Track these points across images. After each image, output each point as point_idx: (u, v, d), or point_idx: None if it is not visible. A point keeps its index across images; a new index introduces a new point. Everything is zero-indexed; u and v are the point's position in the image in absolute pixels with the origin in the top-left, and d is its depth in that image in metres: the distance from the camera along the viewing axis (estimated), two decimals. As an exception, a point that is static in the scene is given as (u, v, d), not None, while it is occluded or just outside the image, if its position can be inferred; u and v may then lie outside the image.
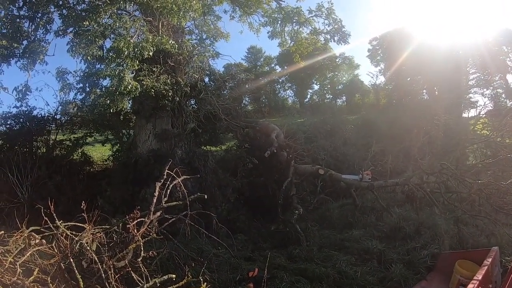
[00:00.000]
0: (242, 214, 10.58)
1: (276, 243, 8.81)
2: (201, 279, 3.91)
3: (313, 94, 37.59)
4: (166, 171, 5.16)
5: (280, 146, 12.27)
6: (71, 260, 3.48)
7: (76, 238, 3.78)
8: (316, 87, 37.17)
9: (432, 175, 10.21)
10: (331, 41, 16.19)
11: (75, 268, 3.49)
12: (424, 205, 10.29)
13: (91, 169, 14.09)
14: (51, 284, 3.32)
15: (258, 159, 11.96)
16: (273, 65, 38.22)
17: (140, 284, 3.82)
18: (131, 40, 8.71)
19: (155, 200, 4.76)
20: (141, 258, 4.00)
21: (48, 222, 3.78)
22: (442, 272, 6.45)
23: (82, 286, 3.52)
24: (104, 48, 9.33)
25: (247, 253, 7.94)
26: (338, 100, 36.29)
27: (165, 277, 3.96)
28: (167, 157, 8.19)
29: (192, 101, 13.03)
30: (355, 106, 31.19)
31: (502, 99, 32.94)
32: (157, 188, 4.89)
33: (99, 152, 16.13)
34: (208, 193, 9.63)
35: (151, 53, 9.17)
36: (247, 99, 34.48)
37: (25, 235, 3.72)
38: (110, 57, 8.75)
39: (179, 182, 5.20)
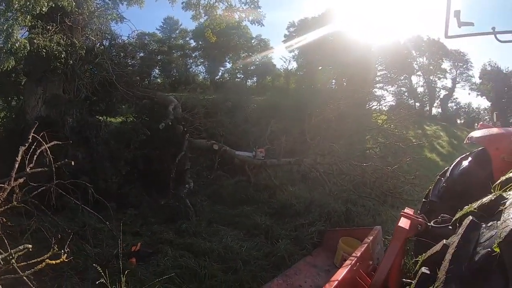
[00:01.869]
0: (134, 188, 10.25)
1: (165, 218, 8.66)
2: (63, 252, 3.63)
3: (224, 72, 37.52)
4: (32, 134, 4.66)
5: (177, 119, 12.08)
6: None
7: None
8: (228, 65, 37.12)
9: (323, 156, 10.76)
10: (245, 21, 16.12)
11: None
12: (317, 184, 10.82)
13: None
14: None
15: (154, 132, 11.57)
16: (188, 38, 37.42)
17: None
18: None
19: (17, 166, 4.30)
20: None
21: None
22: (328, 248, 6.68)
23: None
24: None
25: (135, 228, 7.71)
26: (249, 80, 36.61)
27: (21, 247, 3.63)
28: (56, 125, 7.56)
29: (90, 66, 12.11)
30: (265, 88, 31.65)
31: (405, 97, 36.96)
32: (20, 153, 4.41)
33: None
34: (98, 165, 9.19)
35: (44, 9, 8.31)
36: (156, 71, 33.52)
37: None
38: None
39: (45, 148, 4.73)
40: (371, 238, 5.24)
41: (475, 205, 2.07)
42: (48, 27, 9.76)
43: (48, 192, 5.46)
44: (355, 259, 4.26)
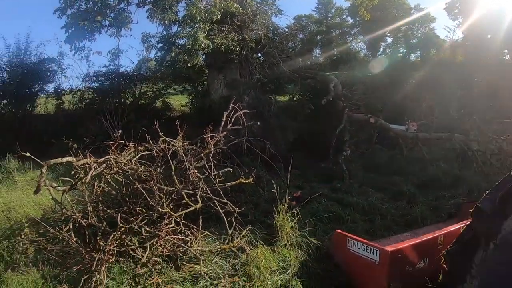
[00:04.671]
0: (299, 154, 11.60)
1: (323, 178, 10.09)
2: (250, 177, 5.82)
3: (386, 48, 36.26)
4: (231, 105, 6.94)
5: (337, 95, 13.28)
6: (169, 157, 5.37)
7: (172, 143, 5.77)
8: (389, 40, 35.73)
9: (478, 133, 10.63)
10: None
11: (171, 161, 5.46)
12: (469, 163, 10.76)
13: (171, 114, 16.37)
14: (153, 171, 5.11)
15: (317, 107, 13.29)
16: (344, 16, 37.13)
17: (209, 172, 5.66)
18: (201, 7, 10.68)
19: (222, 123, 6.61)
20: (212, 153, 5.97)
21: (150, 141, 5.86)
22: (462, 219, 6.50)
23: (174, 170, 5.46)
24: (178, 12, 11.75)
25: (297, 183, 9.13)
26: (412, 54, 34.78)
27: (226, 169, 5.98)
28: (236, 103, 9.78)
29: (258, 54, 14.73)
30: (430, 62, 29.72)
31: None
32: (225, 116, 6.72)
33: (177, 100, 18.64)
34: (270, 133, 11.32)
35: (219, 17, 11.14)
36: (317, 51, 34.49)
37: (132, 149, 5.66)
38: (185, 22, 10.89)
39: (240, 114, 7.08)
40: None
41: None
42: (222, 28, 12.28)
43: (240, 145, 8.13)
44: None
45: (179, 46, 11.57)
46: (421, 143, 11.64)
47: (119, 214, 5.07)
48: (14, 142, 12.40)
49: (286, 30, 16.23)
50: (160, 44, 12.72)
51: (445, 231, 4.70)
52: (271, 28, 14.97)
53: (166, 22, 11.37)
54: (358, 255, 4.53)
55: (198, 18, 10.66)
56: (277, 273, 4.82)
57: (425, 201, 8.12)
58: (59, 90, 15.85)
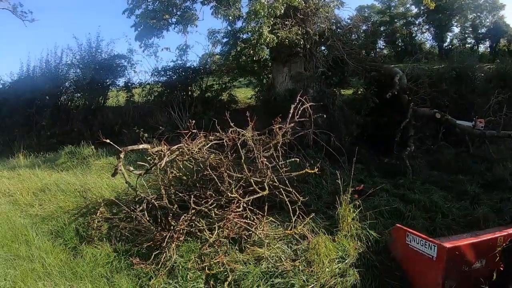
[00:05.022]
0: (362, 148, 11.39)
1: (386, 173, 9.99)
2: (316, 168, 6.13)
3: (453, 38, 34.35)
4: (298, 98, 7.30)
5: (402, 89, 12.98)
6: (238, 145, 5.88)
7: (242, 132, 6.23)
8: (456, 30, 33.74)
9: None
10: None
11: (240, 149, 5.95)
12: None
13: (236, 107, 17.28)
14: (223, 159, 5.56)
15: (381, 101, 13.01)
16: (408, 5, 35.51)
17: (276, 162, 6.06)
18: (265, 2, 11.11)
19: (290, 115, 7.01)
20: (280, 143, 6.43)
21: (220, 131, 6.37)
22: None
23: (243, 159, 5.87)
24: (241, 8, 12.17)
25: (360, 177, 9.17)
26: (481, 45, 32.67)
27: (292, 159, 6.41)
28: (301, 95, 9.99)
29: (322, 47, 14.86)
30: (500, 53, 27.70)
31: None
32: (292, 108, 7.13)
33: (242, 93, 19.49)
34: (335, 127, 11.57)
35: (282, 11, 11.46)
36: (381, 42, 33.43)
37: (202, 138, 6.21)
38: (250, 17, 11.36)
39: (307, 107, 7.52)
40: None
41: None
42: (286, 22, 12.50)
43: (305, 136, 8.45)
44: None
45: (244, 41, 12.03)
46: (488, 141, 11.13)
47: (191, 197, 5.70)
48: (87, 132, 13.81)
49: (349, 22, 16.00)
50: (225, 39, 13.24)
51: (506, 233, 4.63)
52: (334, 21, 14.95)
53: (230, 18, 11.86)
54: (416, 250, 4.60)
55: (262, 14, 11.03)
56: (336, 261, 5.06)
57: (489, 202, 7.83)
58: (129, 84, 17.30)
